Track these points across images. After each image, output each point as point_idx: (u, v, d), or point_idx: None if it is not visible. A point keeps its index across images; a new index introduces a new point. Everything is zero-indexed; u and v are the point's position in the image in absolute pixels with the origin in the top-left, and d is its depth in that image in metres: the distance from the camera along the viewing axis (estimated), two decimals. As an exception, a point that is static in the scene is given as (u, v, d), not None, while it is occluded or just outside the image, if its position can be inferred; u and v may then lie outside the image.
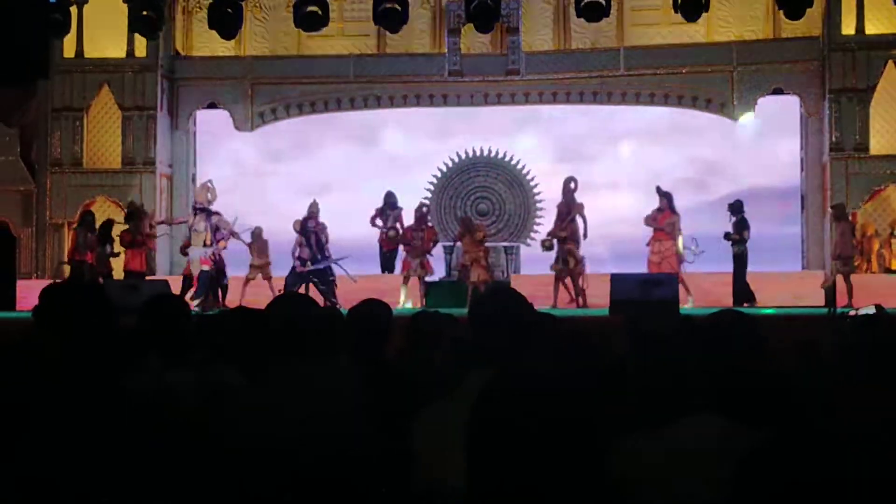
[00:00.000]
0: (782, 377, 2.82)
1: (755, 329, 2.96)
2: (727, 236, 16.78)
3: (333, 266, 16.84)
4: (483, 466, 1.90)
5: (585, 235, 16.89)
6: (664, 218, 16.88)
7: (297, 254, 16.90)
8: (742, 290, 16.62)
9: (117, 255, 17.53)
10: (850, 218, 17.17)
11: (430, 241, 17.40)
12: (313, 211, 17.17)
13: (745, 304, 16.16)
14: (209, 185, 17.16)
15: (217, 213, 16.78)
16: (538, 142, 20.14)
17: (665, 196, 17.07)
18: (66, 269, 18.12)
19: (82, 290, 3.79)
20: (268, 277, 17.21)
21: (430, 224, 17.79)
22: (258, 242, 17.57)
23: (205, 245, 16.56)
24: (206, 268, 16.36)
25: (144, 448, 3.16)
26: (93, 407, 3.12)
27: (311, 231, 16.93)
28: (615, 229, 17.88)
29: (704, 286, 17.10)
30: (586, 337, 4.56)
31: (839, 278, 16.51)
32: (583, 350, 4.16)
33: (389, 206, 18.19)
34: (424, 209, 17.94)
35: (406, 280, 17.17)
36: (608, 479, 1.96)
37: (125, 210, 18.43)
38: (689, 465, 2.68)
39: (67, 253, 18.27)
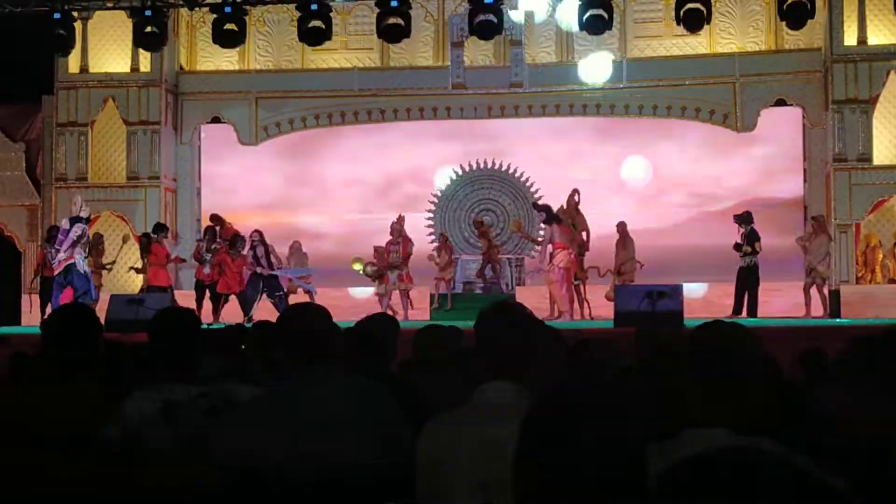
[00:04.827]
0: (778, 389, 2.81)
1: (749, 340, 2.95)
2: (738, 247, 16.31)
3: (294, 281, 16.97)
4: (536, 488, 1.89)
5: (587, 247, 16.86)
6: (553, 233, 16.34)
7: (250, 260, 16.82)
8: (753, 304, 16.15)
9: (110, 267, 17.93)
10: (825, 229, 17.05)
11: (406, 253, 17.35)
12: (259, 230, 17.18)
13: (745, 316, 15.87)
14: (77, 197, 17.28)
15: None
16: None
17: (544, 210, 16.65)
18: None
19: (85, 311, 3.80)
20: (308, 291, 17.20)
21: (406, 236, 17.63)
22: (296, 256, 17.69)
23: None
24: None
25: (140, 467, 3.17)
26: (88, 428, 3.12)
27: (257, 242, 16.78)
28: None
29: (709, 297, 17.08)
30: (592, 349, 4.58)
31: (812, 289, 16.49)
32: (592, 362, 4.16)
33: None
34: (401, 222, 17.82)
35: (386, 294, 17.13)
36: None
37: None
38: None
39: (34, 270, 18.04)
